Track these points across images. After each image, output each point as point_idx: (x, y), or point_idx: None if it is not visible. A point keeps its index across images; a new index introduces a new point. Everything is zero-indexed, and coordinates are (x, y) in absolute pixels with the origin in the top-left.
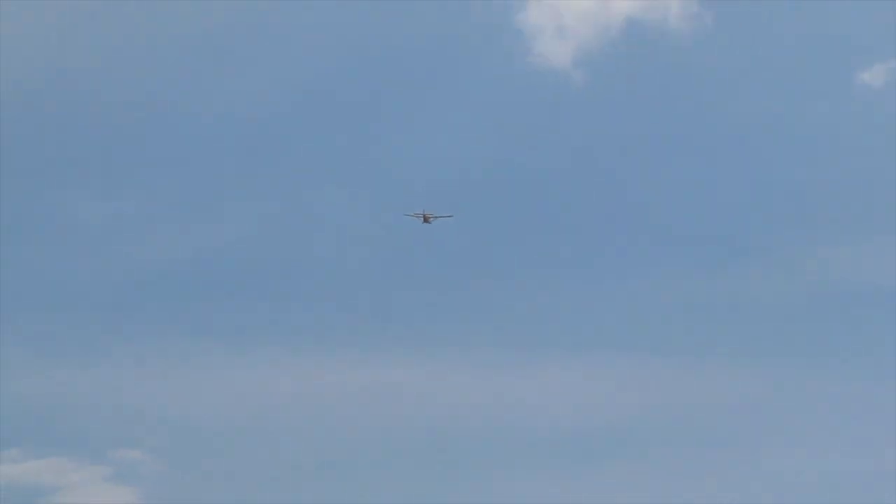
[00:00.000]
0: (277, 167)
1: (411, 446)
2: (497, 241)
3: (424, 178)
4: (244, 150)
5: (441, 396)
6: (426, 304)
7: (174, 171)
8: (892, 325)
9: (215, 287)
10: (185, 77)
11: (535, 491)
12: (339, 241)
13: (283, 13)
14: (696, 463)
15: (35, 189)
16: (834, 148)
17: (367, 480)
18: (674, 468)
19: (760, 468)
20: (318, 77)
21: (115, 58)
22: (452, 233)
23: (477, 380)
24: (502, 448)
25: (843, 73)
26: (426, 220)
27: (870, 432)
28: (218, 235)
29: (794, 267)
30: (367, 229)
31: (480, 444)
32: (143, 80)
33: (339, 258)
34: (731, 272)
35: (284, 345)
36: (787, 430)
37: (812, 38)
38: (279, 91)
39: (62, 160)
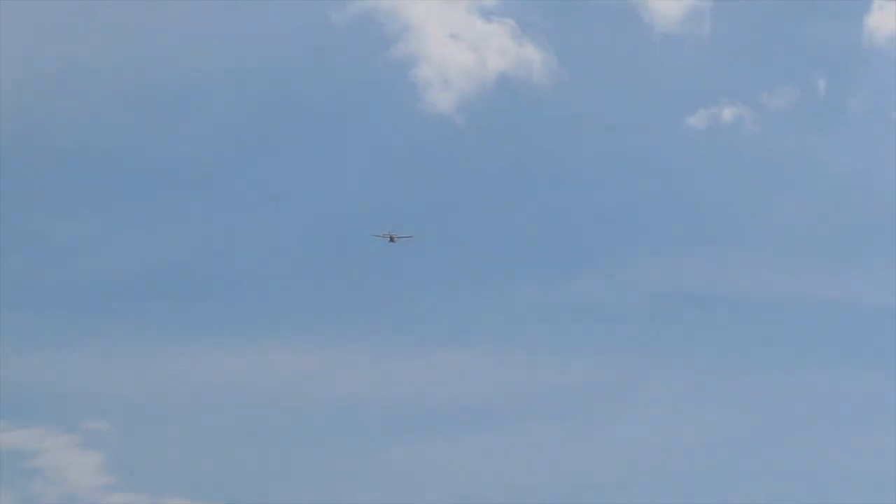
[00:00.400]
0: (206, 197)
1: (322, 418)
2: (401, 255)
3: (339, 204)
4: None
5: (342, 379)
6: (336, 304)
7: (138, 194)
8: (713, 325)
9: (173, 291)
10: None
11: (416, 456)
12: (267, 256)
13: (222, 69)
14: (552, 435)
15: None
16: (667, 179)
17: (282, 448)
18: (530, 440)
19: (605, 439)
20: (251, 120)
21: (82, 98)
22: (366, 249)
23: (372, 366)
24: (392, 421)
25: (673, 117)
26: (392, 239)
27: (694, 411)
28: (173, 250)
29: (635, 275)
30: (291, 246)
31: (374, 418)
32: (107, 120)
33: (265, 268)
34: (585, 279)
35: (222, 338)
36: (621, 409)
37: (648, 89)
38: (216, 134)
39: (37, 187)
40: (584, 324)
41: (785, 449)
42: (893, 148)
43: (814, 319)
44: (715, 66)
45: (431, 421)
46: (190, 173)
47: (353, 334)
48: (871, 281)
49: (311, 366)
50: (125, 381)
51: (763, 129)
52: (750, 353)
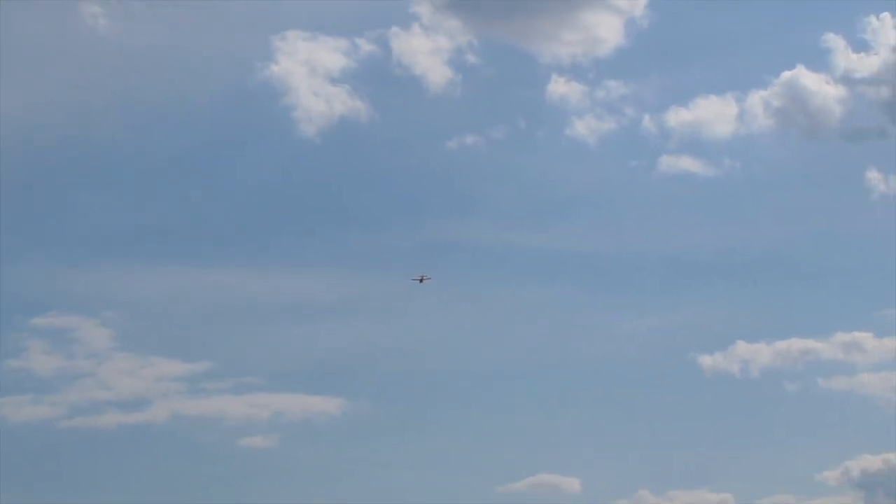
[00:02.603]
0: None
1: (250, 305)
2: (289, 232)
3: (249, 183)
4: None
5: (254, 282)
6: (251, 245)
7: (139, 179)
8: (459, 261)
9: (153, 234)
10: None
11: (298, 333)
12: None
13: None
14: (361, 322)
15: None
16: (435, 176)
17: (223, 326)
18: (352, 324)
19: (392, 324)
20: (201, 135)
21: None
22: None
23: (274, 275)
24: (289, 308)
25: (438, 141)
26: (421, 280)
27: (447, 306)
28: (155, 213)
29: (414, 228)
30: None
31: (281, 305)
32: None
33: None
34: (384, 231)
35: (186, 263)
36: (405, 304)
37: (424, 124)
38: (178, 141)
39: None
40: (382, 254)
41: (493, 324)
42: (562, 157)
43: (517, 256)
44: (463, 112)
45: (309, 310)
46: (168, 168)
47: (258, 261)
48: (553, 236)
49: (240, 277)
50: (127, 289)
51: (490, 148)
52: (481, 276)
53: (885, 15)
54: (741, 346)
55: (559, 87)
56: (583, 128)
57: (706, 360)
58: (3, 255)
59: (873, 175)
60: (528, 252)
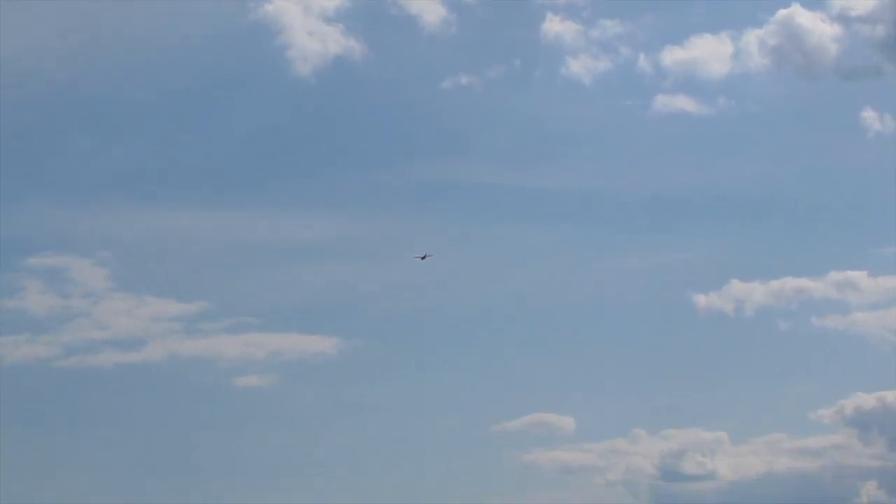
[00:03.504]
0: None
1: (244, 247)
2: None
3: (247, 122)
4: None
5: (245, 227)
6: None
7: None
8: (453, 200)
9: (142, 177)
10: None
11: (300, 274)
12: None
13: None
14: (353, 263)
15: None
16: (428, 116)
17: (218, 268)
18: (347, 265)
19: (386, 267)
20: (197, 78)
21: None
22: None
23: (271, 218)
24: (289, 248)
25: (432, 82)
26: (423, 258)
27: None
28: (143, 155)
29: (411, 168)
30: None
31: (276, 247)
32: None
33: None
34: (382, 171)
35: (175, 204)
36: (396, 246)
37: (419, 64)
38: (173, 82)
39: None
40: (377, 194)
41: (488, 264)
42: (559, 95)
43: (512, 196)
44: (458, 52)
45: (305, 251)
46: (162, 109)
47: (253, 201)
48: (549, 176)
49: (235, 217)
50: (122, 229)
51: (486, 88)
52: (476, 216)
53: None
54: (735, 286)
55: (554, 26)
56: (578, 67)
57: (700, 300)
58: None
59: (868, 114)
60: (522, 192)
